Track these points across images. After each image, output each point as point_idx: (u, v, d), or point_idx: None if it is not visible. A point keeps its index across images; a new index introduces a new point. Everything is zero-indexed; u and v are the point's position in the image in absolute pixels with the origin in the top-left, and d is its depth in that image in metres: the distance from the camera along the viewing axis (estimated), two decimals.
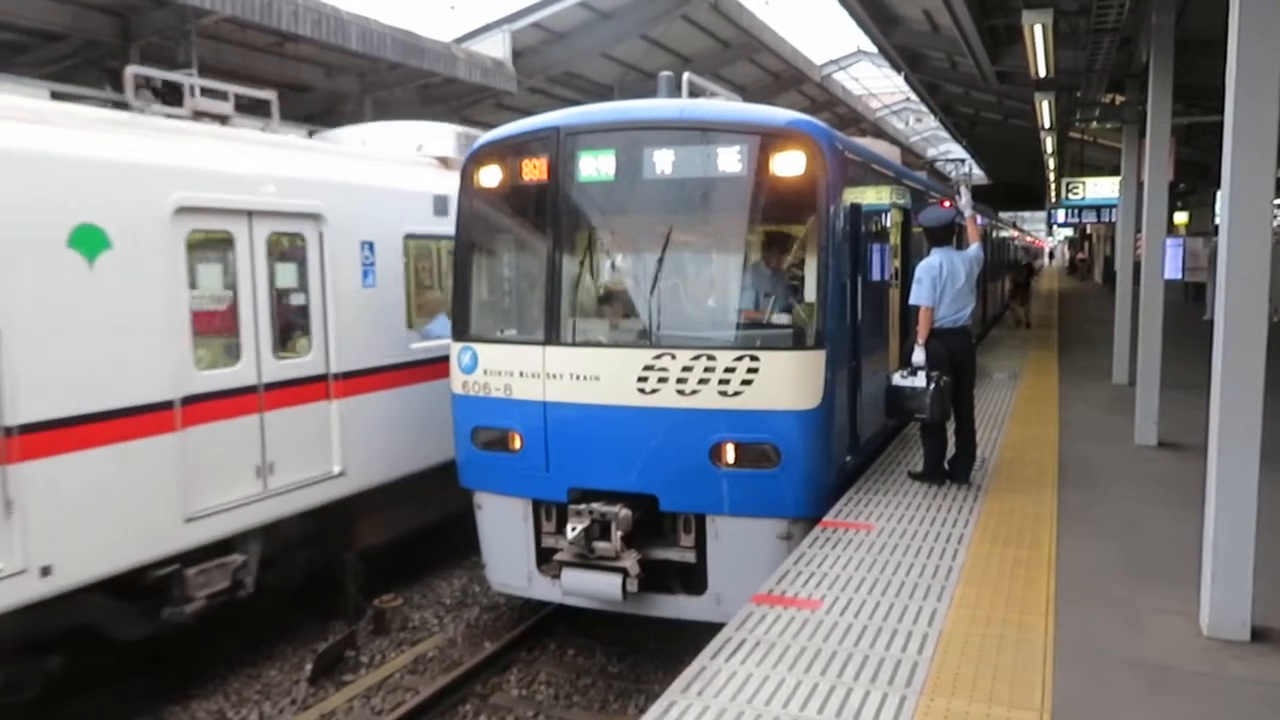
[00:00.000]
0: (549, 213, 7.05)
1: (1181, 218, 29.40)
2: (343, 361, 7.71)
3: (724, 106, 7.63)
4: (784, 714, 3.92)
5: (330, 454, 7.61)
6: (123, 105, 7.41)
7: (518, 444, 7.04)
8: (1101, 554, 5.90)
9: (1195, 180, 25.92)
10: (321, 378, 7.54)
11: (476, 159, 7.35)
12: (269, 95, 7.99)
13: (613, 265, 7.52)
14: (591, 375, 6.74)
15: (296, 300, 7.58)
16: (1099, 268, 43.79)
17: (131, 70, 7.02)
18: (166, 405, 6.27)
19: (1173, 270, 20.58)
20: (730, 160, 6.60)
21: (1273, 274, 4.69)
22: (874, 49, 19.07)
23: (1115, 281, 13.70)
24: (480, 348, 7.21)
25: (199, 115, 7.24)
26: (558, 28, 16.19)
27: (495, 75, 15.22)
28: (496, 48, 15.40)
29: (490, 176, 7.27)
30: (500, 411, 7.09)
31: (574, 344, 6.91)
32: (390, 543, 8.68)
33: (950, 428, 7.50)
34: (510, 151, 7.21)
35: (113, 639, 6.39)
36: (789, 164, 6.53)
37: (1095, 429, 9.76)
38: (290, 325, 7.56)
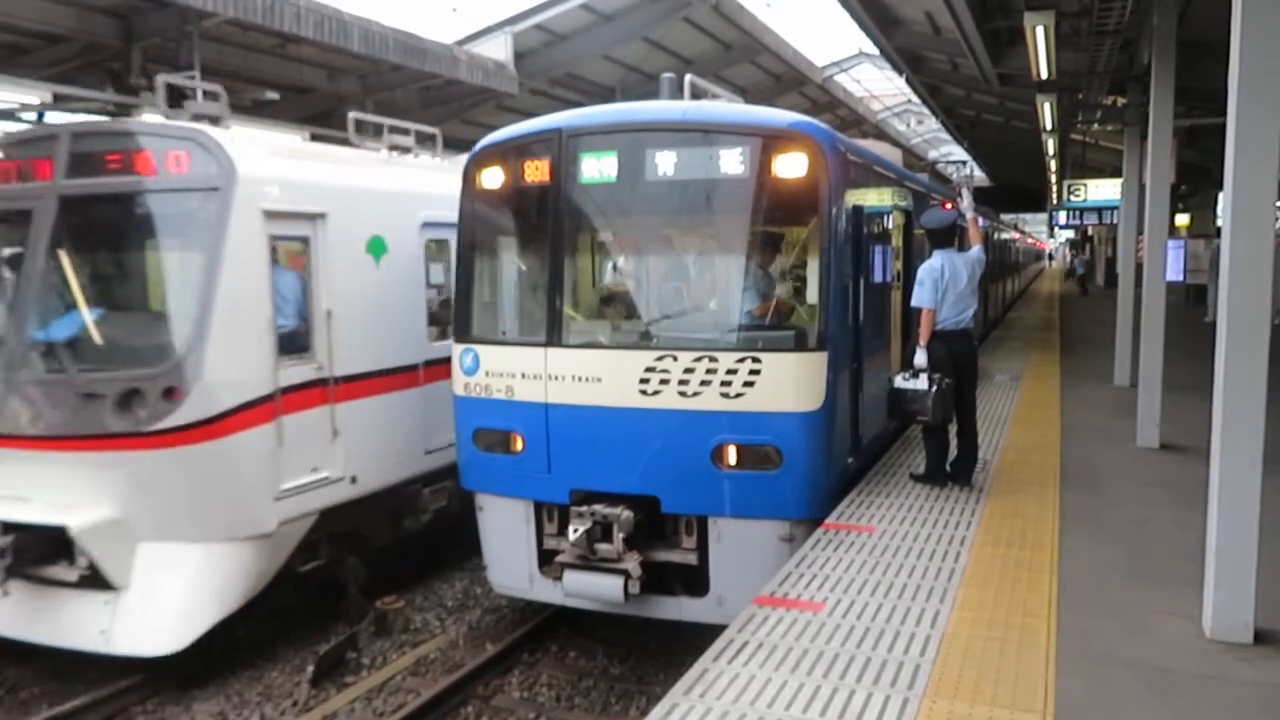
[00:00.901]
0: (551, 214, 7.04)
1: (1183, 220, 29.40)
2: None
3: (726, 108, 7.63)
4: (786, 716, 3.92)
5: None
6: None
7: (519, 446, 7.03)
8: (1104, 556, 5.90)
9: (1197, 182, 25.91)
10: None
11: (479, 160, 7.35)
12: (434, 130, 10.04)
13: (614, 267, 7.53)
14: (593, 377, 6.74)
15: None
16: (1100, 269, 43.77)
17: (352, 115, 9.09)
18: (415, 367, 8.52)
19: (1174, 272, 20.61)
20: (732, 162, 6.60)
21: (1275, 276, 4.69)
22: (875, 51, 19.05)
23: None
24: (482, 349, 7.20)
25: (393, 149, 9.32)
26: (560, 30, 16.18)
27: (497, 77, 15.21)
28: (498, 49, 15.39)
29: (492, 178, 7.27)
30: (502, 413, 7.09)
31: (576, 345, 6.91)
32: None
33: (952, 430, 7.49)
34: (513, 153, 7.20)
35: (370, 541, 8.38)
36: (791, 166, 6.52)
37: (1097, 431, 9.75)
38: None
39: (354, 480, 7.83)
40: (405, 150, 9.46)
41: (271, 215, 7.10)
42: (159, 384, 6.57)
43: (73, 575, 6.73)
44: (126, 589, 6.80)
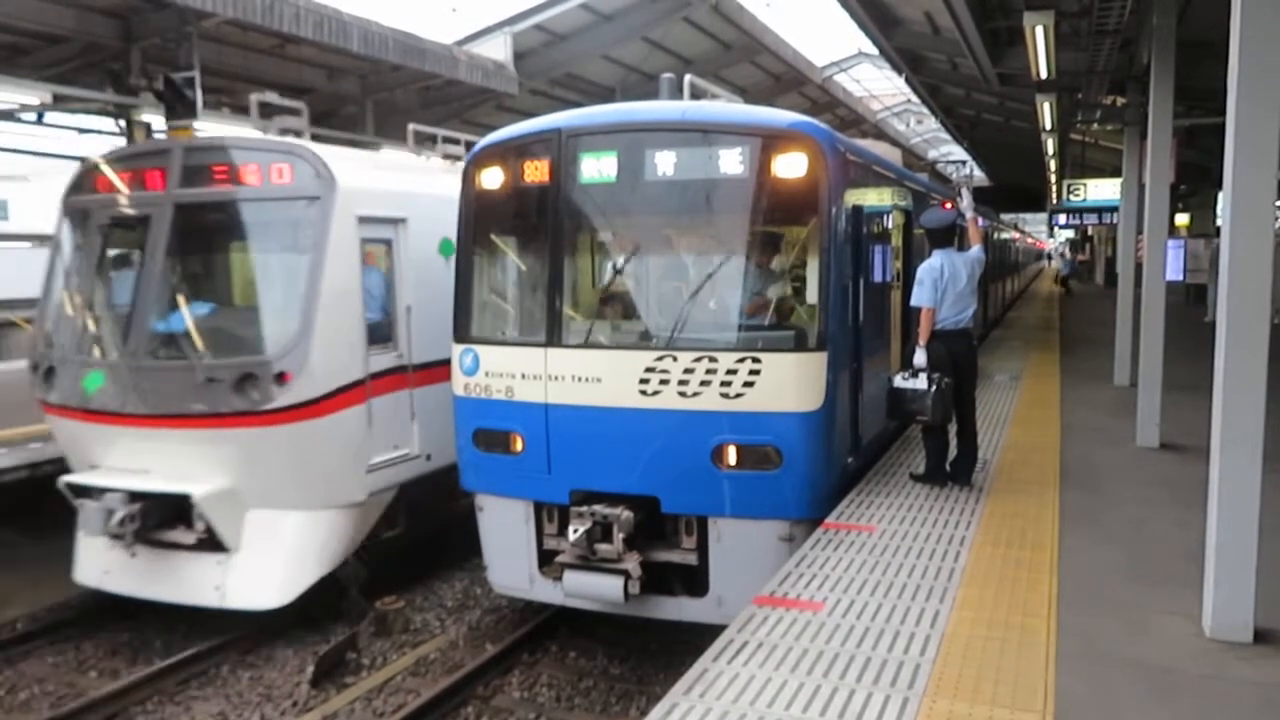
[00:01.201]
0: (551, 214, 7.04)
1: (1183, 219, 29.40)
2: None
3: (725, 108, 7.63)
4: (786, 716, 3.92)
5: None
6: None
7: (519, 446, 7.03)
8: (1104, 556, 5.89)
9: (1196, 182, 25.90)
10: None
11: (478, 161, 7.34)
12: (474, 139, 10.29)
13: (614, 267, 7.52)
14: (593, 377, 6.73)
15: None
16: (1100, 269, 43.77)
17: (412, 127, 10.14)
18: None
19: (1174, 272, 20.62)
20: (732, 162, 6.60)
21: (1275, 275, 4.68)
22: (875, 51, 19.04)
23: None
24: (482, 350, 7.20)
25: (446, 157, 10.30)
26: (559, 30, 16.20)
27: (496, 77, 15.23)
28: (498, 50, 15.41)
29: (492, 178, 7.26)
30: (502, 413, 7.08)
31: (575, 346, 6.90)
32: None
33: (952, 430, 7.49)
34: (512, 153, 7.20)
35: (433, 512, 9.06)
36: (791, 166, 6.52)
37: (1097, 431, 9.75)
38: None
39: (429, 458, 8.63)
40: (457, 159, 10.16)
41: (363, 220, 7.90)
42: (272, 369, 7.34)
43: (191, 538, 7.56)
44: (237, 551, 7.60)
